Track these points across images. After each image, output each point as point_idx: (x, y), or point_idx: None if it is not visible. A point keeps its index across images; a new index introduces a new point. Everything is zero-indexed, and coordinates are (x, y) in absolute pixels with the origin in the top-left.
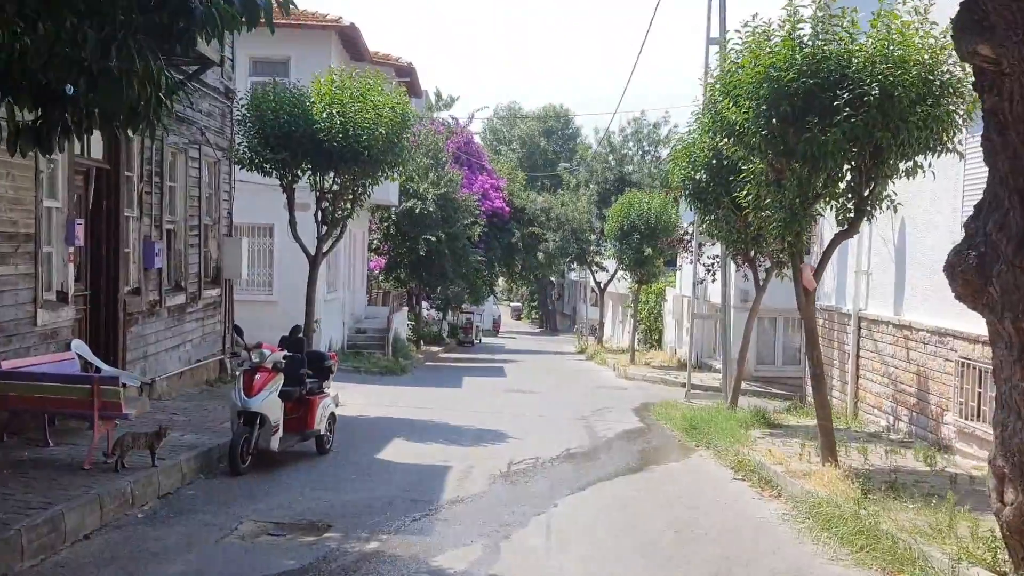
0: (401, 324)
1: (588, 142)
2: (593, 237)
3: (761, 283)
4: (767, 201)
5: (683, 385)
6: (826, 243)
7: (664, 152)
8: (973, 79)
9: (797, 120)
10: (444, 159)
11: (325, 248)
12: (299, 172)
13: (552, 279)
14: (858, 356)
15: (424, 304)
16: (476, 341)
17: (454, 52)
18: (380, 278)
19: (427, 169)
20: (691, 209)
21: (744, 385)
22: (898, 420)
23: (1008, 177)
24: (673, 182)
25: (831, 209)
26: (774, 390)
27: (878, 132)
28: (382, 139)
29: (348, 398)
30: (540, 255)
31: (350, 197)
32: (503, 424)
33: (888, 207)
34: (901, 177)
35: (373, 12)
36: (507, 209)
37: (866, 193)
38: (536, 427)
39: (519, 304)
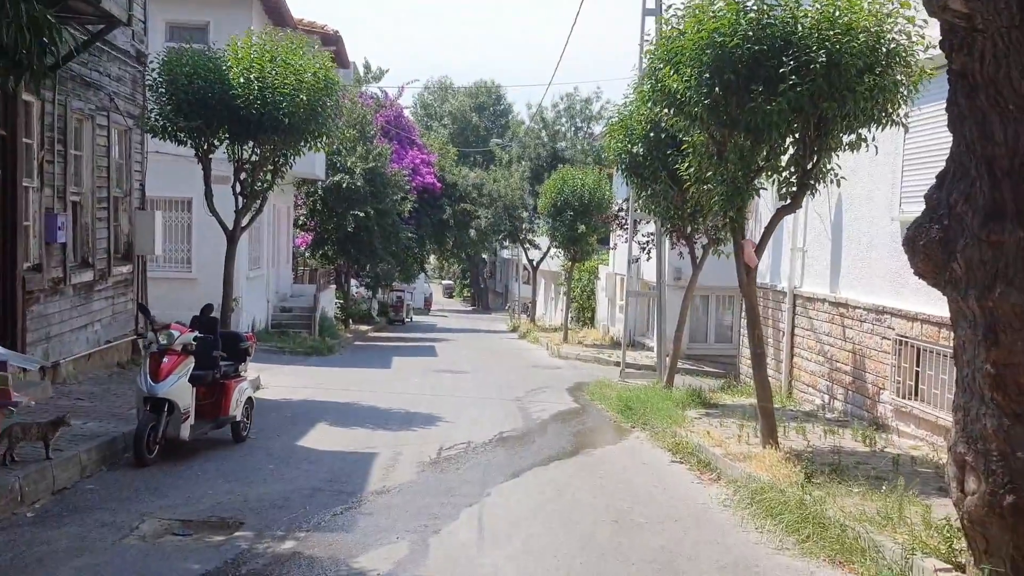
0: (329, 303)
1: (521, 118)
2: (526, 214)
3: (698, 261)
4: (708, 174)
5: (617, 364)
6: (763, 219)
7: (597, 128)
8: (940, 38)
9: (741, 89)
10: (372, 132)
11: (244, 222)
12: (215, 141)
13: (484, 257)
14: (793, 334)
15: (353, 282)
16: (407, 320)
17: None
18: (307, 255)
19: (355, 142)
20: (627, 184)
21: (680, 363)
22: (834, 399)
23: (976, 144)
24: (609, 156)
25: (773, 183)
26: (707, 368)
27: (824, 102)
28: (304, 106)
29: (271, 380)
30: (472, 232)
31: (270, 168)
32: (434, 406)
33: (832, 181)
34: (844, 150)
35: None
36: (438, 185)
37: (809, 166)
38: (468, 409)
39: (451, 282)
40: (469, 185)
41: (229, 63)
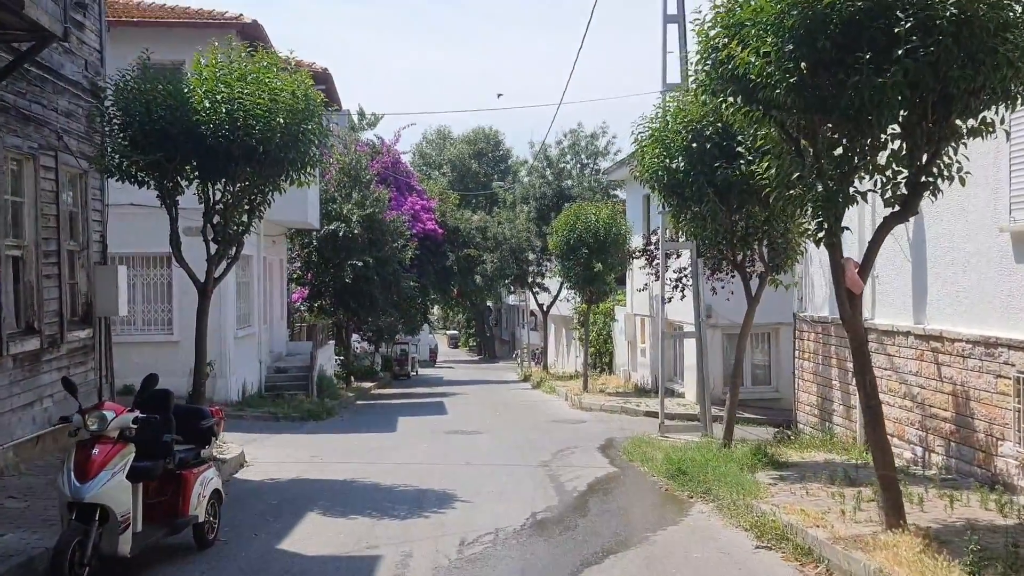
0: (328, 360)
1: (523, 158)
2: (533, 256)
3: (753, 292)
4: (795, 176)
5: (647, 414)
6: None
7: (604, 164)
8: None
9: (837, 61)
10: (368, 178)
11: (217, 273)
12: (182, 180)
13: (489, 304)
14: None
15: (355, 337)
16: (413, 373)
17: (375, 75)
18: (303, 309)
19: (350, 189)
20: (663, 206)
21: (714, 411)
22: (930, 451)
23: None
24: (642, 174)
25: (875, 184)
26: (747, 414)
27: (951, 71)
28: (281, 130)
29: (258, 454)
30: (478, 278)
31: (246, 208)
32: (448, 479)
33: (954, 176)
34: (966, 140)
35: (287, 24)
36: (440, 231)
37: (924, 159)
38: (489, 481)
39: (456, 332)
40: (472, 229)
41: (192, 85)
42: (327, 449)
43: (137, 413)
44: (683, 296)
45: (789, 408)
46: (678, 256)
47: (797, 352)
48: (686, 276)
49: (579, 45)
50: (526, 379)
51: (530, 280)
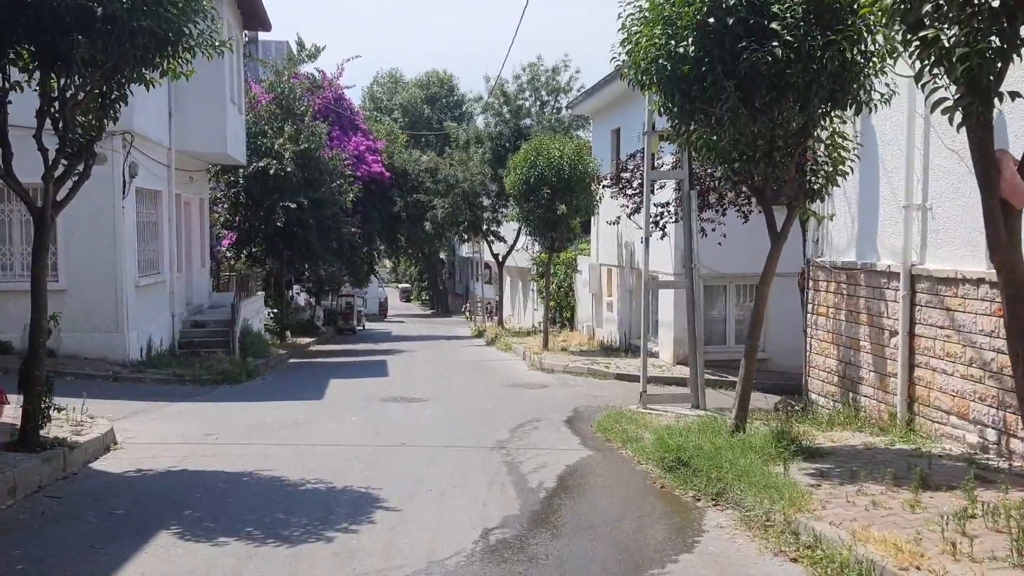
0: (256, 313)
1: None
2: (488, 202)
3: (779, 227)
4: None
5: (619, 377)
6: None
7: (565, 100)
8: None
9: None
10: (303, 109)
11: (61, 195)
12: (8, 63)
13: (443, 257)
14: (912, 335)
15: (295, 288)
16: (359, 328)
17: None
18: (230, 256)
19: (282, 122)
20: (660, 111)
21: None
22: (1009, 435)
23: None
24: (634, 68)
25: None
26: (730, 377)
27: None
28: None
29: (138, 431)
30: (427, 225)
31: (95, 105)
32: (375, 470)
33: None
34: None
35: None
36: (387, 174)
37: None
38: (428, 472)
39: (408, 285)
40: (422, 170)
41: None
42: (230, 423)
43: None
44: (663, 235)
45: (780, 371)
46: (660, 188)
47: (810, 307)
48: (668, 212)
49: None
50: (480, 335)
51: (485, 228)
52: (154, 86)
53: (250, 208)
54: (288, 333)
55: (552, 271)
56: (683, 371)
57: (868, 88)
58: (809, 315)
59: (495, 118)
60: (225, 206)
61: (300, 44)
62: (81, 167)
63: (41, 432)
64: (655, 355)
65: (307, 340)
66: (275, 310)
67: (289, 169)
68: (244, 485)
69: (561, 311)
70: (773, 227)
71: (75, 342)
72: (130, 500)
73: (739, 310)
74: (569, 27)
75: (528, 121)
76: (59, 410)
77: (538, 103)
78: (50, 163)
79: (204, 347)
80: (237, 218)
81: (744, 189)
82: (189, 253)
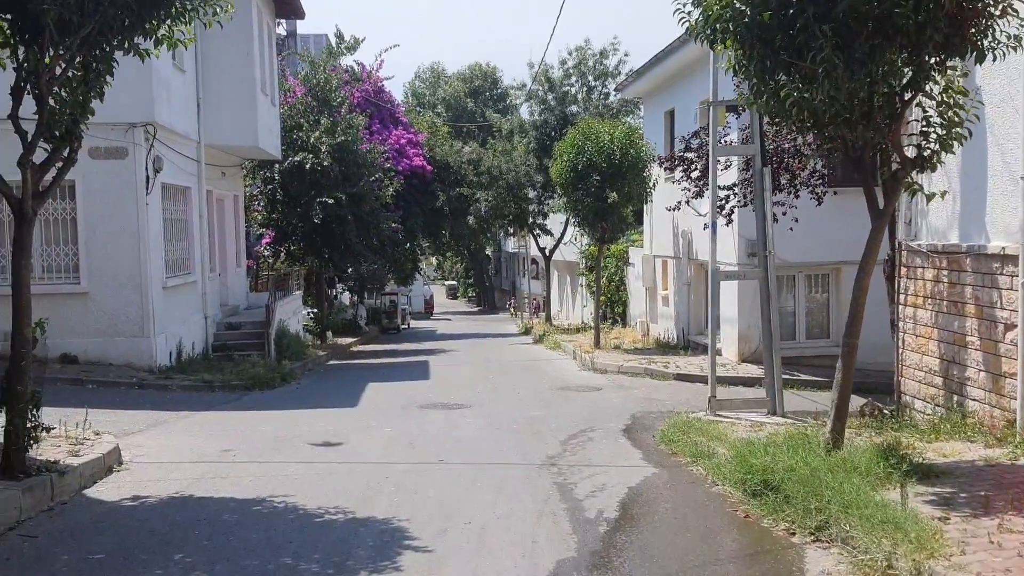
0: (295, 313)
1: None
2: (534, 194)
3: (881, 205)
4: None
5: (678, 378)
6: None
7: (613, 85)
8: None
9: None
10: (339, 100)
11: (44, 182)
12: None
13: (488, 252)
14: None
15: (338, 287)
16: (404, 327)
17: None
18: (268, 255)
19: (318, 114)
20: (734, 70)
21: (758, 372)
22: None
23: None
24: (706, 18)
25: None
26: (801, 375)
27: None
28: None
29: (150, 447)
30: (471, 219)
31: (78, 78)
32: (405, 495)
33: None
34: None
35: None
36: (429, 168)
37: None
38: (467, 499)
39: (454, 282)
40: (464, 162)
41: None
42: (252, 437)
43: None
44: (729, 221)
45: (857, 367)
46: (723, 170)
47: (903, 297)
48: (734, 195)
49: None
50: (527, 332)
51: (530, 221)
52: (150, 57)
53: (287, 205)
54: (329, 333)
55: (602, 264)
56: (749, 370)
57: (992, 31)
58: (901, 307)
59: (539, 106)
60: (262, 203)
61: (339, 36)
62: (66, 152)
63: (32, 452)
64: (717, 352)
65: (349, 340)
66: (314, 310)
67: (326, 163)
68: (253, 517)
69: (612, 306)
70: (875, 204)
71: (99, 348)
72: (116, 539)
73: (808, 302)
74: (620, 5)
75: (574, 108)
76: (47, 430)
77: (584, 89)
78: (29, 147)
79: (238, 350)
80: (274, 215)
81: (820, 166)
82: (223, 252)
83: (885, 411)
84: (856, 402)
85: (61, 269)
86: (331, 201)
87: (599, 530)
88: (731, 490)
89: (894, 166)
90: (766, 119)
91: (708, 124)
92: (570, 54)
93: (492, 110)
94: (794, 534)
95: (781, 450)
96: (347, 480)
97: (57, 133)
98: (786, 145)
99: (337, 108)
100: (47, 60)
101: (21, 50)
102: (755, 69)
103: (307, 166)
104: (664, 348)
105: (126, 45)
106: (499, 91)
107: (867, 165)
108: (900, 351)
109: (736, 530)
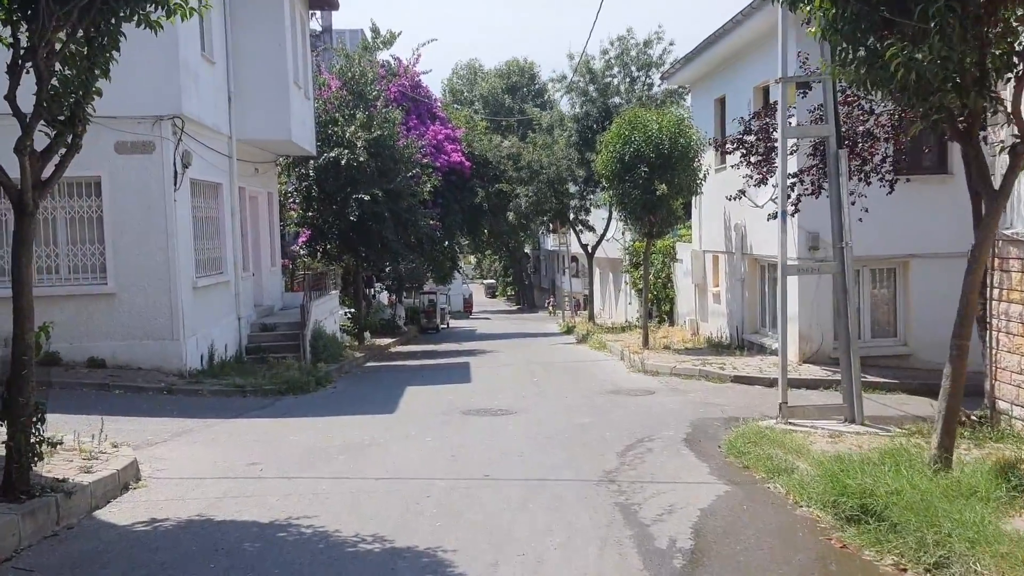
0: (331, 313)
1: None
2: (575, 189)
3: (998, 184)
4: None
5: (736, 380)
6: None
7: (657, 76)
8: None
9: None
10: (375, 94)
11: (47, 172)
12: None
13: (527, 251)
14: None
15: (377, 286)
16: (443, 326)
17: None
18: (303, 254)
19: (354, 108)
20: (827, 35)
21: (822, 373)
22: None
23: None
24: None
25: None
26: (868, 376)
27: None
28: None
29: (173, 459)
30: (511, 215)
31: (80, 52)
32: (447, 520)
33: None
34: None
35: None
36: (467, 163)
37: None
38: (518, 524)
39: (493, 281)
40: (503, 156)
41: None
42: (282, 448)
43: None
44: (795, 211)
45: (927, 368)
46: (792, 152)
47: (997, 292)
48: (802, 182)
49: None
50: (569, 331)
51: (572, 216)
52: (162, 27)
53: (322, 202)
54: (367, 334)
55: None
56: (812, 371)
57: None
58: (995, 302)
59: (580, 97)
60: (297, 201)
61: (375, 31)
62: (70, 138)
63: (38, 468)
64: (774, 352)
65: (387, 341)
66: (351, 310)
67: (362, 159)
68: (277, 546)
69: (659, 304)
70: (988, 183)
71: (128, 351)
72: (121, 574)
73: (872, 299)
74: None
75: (617, 99)
76: (54, 444)
77: (627, 79)
78: (27, 130)
79: (273, 352)
80: (310, 213)
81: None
82: (257, 251)
83: (973, 417)
84: (919, 401)
85: (88, 269)
86: (367, 198)
87: (674, 565)
88: (820, 514)
89: (1010, 139)
90: (840, 95)
91: (763, 108)
92: (612, 44)
93: (531, 105)
94: (905, 570)
95: (879, 468)
96: (384, 499)
97: (60, 117)
98: (859, 128)
99: (373, 102)
100: (45, 33)
101: (23, 27)
102: (848, 30)
103: (343, 162)
104: (717, 348)
105: (126, 13)
106: (537, 87)
107: (976, 139)
108: (993, 351)
109: (835, 563)
